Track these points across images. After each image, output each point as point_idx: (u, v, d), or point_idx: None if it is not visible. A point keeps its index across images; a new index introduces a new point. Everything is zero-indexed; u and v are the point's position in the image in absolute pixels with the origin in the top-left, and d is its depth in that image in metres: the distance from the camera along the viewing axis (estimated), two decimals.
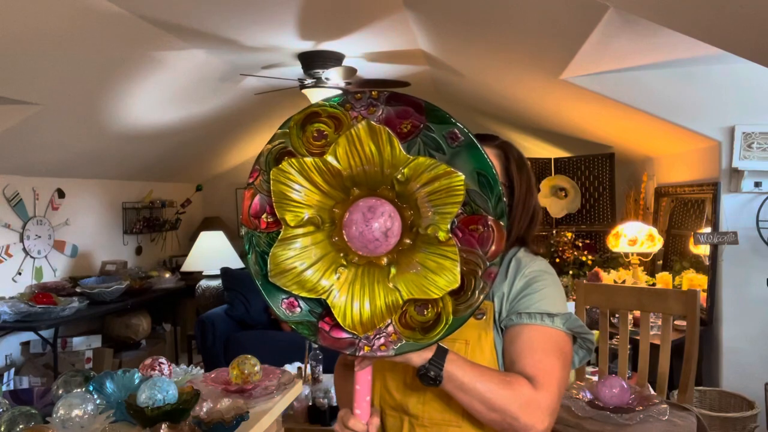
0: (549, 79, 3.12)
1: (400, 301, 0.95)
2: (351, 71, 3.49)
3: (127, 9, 2.52)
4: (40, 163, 3.81)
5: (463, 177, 0.92)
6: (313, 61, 3.52)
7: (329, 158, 0.95)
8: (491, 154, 1.24)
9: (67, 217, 4.28)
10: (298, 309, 0.99)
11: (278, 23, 2.92)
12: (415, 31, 3.12)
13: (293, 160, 0.96)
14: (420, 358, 0.99)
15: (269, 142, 0.98)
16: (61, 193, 4.21)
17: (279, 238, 0.97)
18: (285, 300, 0.99)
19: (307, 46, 3.37)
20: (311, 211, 0.98)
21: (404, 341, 0.95)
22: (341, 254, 0.99)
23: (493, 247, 0.93)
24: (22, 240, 3.83)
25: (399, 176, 0.94)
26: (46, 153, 3.72)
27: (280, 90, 4.06)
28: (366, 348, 0.95)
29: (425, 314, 0.95)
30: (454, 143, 0.93)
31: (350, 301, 0.96)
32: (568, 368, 1.14)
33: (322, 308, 0.98)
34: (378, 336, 0.96)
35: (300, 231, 0.98)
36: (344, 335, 0.96)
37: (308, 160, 0.96)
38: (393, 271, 0.97)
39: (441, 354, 1.01)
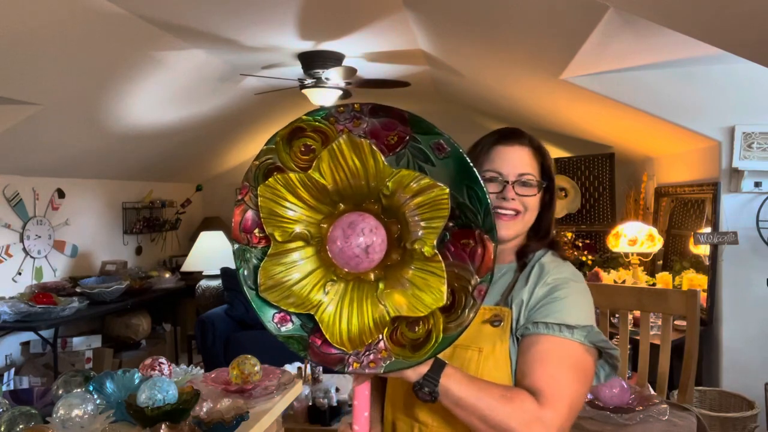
0: (549, 79, 3.11)
1: (387, 318, 0.93)
2: (351, 71, 3.49)
3: (127, 9, 2.52)
4: (40, 163, 3.81)
5: (447, 190, 0.90)
6: (313, 61, 3.53)
7: (313, 173, 0.94)
8: (527, 154, 1.19)
9: (67, 217, 4.28)
10: (290, 324, 0.97)
11: (278, 23, 2.92)
12: (415, 31, 3.12)
13: (279, 175, 0.95)
14: (415, 373, 0.96)
15: (256, 159, 0.97)
16: (61, 193, 4.21)
17: (268, 253, 0.96)
18: (277, 314, 0.98)
19: (307, 46, 3.37)
20: (300, 226, 0.96)
21: (394, 358, 0.93)
22: (331, 269, 0.97)
23: (483, 263, 0.91)
24: (22, 240, 3.83)
25: (384, 190, 0.92)
26: (46, 153, 3.72)
27: (280, 90, 4.06)
28: (355, 364, 0.93)
29: (416, 331, 0.93)
30: (441, 154, 0.91)
31: (338, 316, 0.95)
32: (586, 385, 1.06)
33: (313, 323, 0.97)
34: (368, 352, 0.94)
35: (289, 246, 0.97)
36: (334, 351, 0.94)
37: (293, 175, 0.95)
38: (381, 286, 0.95)
39: (437, 369, 0.97)
